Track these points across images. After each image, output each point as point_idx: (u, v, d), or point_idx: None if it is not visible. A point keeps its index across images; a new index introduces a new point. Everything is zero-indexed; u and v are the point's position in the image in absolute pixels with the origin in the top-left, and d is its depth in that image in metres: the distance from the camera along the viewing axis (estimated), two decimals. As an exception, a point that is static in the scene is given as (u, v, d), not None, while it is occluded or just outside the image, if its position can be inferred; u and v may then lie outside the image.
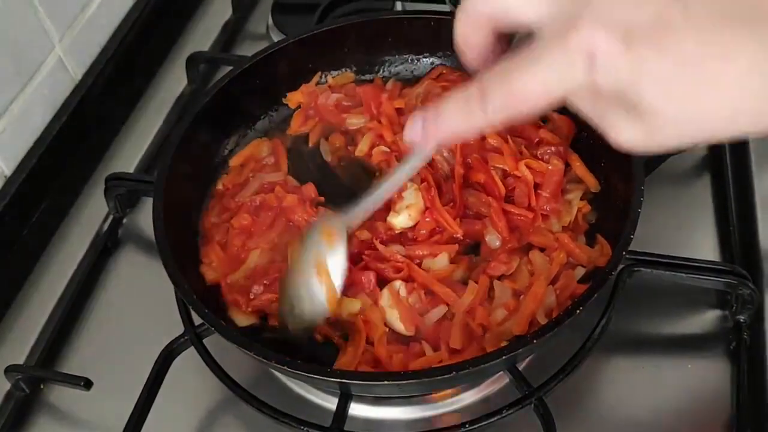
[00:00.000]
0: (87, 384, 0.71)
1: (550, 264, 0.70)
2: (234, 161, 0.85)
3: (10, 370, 0.73)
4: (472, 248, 0.75)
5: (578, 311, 0.60)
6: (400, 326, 0.68)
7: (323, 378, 0.60)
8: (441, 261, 0.72)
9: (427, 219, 0.75)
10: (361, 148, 0.84)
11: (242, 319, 0.71)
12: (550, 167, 0.76)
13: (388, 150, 0.82)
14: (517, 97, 0.43)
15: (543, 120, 0.83)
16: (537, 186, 0.76)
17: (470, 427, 0.62)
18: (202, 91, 1.02)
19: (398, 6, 1.10)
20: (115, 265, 0.86)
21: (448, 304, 0.69)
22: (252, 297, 0.72)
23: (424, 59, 0.92)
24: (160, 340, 0.70)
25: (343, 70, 0.92)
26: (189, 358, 0.69)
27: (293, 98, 0.90)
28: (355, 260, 0.72)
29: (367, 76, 0.93)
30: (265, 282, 0.72)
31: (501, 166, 0.77)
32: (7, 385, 0.75)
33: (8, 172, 0.84)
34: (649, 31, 0.38)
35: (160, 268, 0.67)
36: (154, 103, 1.03)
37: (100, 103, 0.95)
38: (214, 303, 0.72)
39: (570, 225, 0.74)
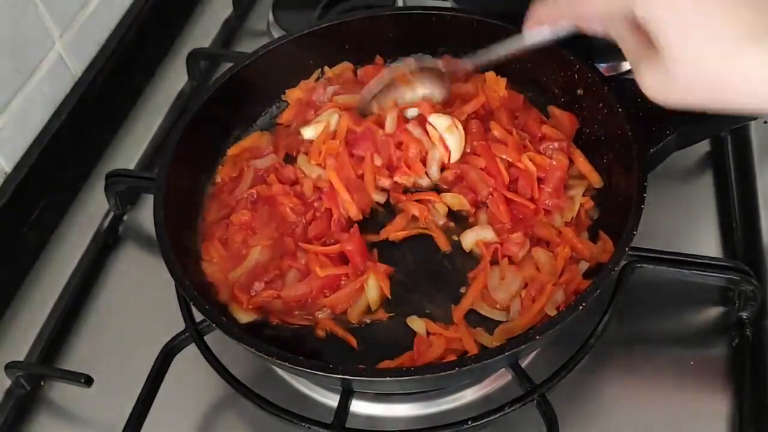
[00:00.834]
0: (88, 381, 0.71)
1: (554, 260, 0.70)
2: (232, 151, 0.85)
3: (10, 367, 0.73)
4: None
5: (581, 307, 0.60)
6: None
7: (325, 374, 0.60)
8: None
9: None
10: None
11: (243, 316, 0.71)
12: (553, 162, 0.76)
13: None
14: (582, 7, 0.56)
15: (546, 116, 0.83)
16: (540, 180, 0.76)
17: (472, 424, 0.62)
18: (202, 88, 1.02)
19: (399, 2, 1.09)
20: (115, 262, 0.86)
21: None
22: (253, 294, 0.72)
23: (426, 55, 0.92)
24: (161, 337, 0.70)
25: (343, 66, 0.92)
26: (190, 354, 0.69)
27: (292, 95, 0.89)
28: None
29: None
30: (265, 279, 0.72)
31: (504, 156, 0.77)
32: (8, 382, 0.75)
33: (8, 169, 0.83)
34: None
35: (161, 264, 0.67)
36: (155, 100, 1.03)
37: (101, 100, 0.95)
38: (215, 300, 0.72)
39: (573, 221, 0.74)
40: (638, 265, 0.69)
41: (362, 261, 0.72)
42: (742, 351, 0.71)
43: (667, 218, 0.81)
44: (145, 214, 0.90)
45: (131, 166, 0.94)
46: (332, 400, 0.70)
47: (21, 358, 0.77)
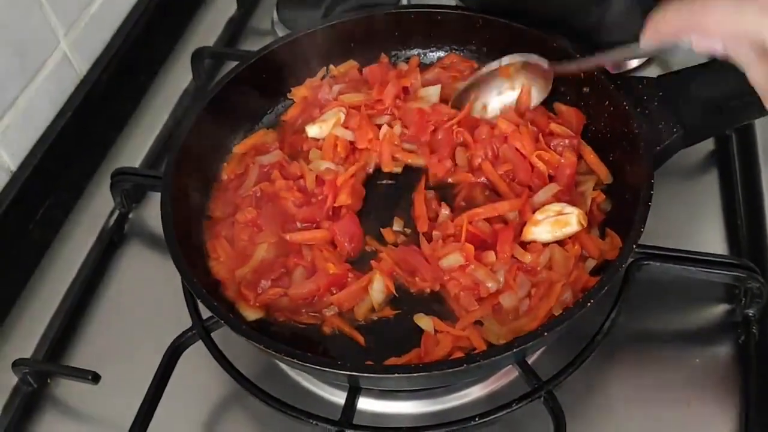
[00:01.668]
0: (95, 378, 0.71)
1: (568, 259, 0.70)
2: (238, 148, 0.85)
3: (17, 364, 0.73)
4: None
5: (588, 304, 0.60)
6: None
7: (334, 370, 0.60)
8: None
9: None
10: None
11: (250, 314, 0.71)
12: (562, 160, 0.76)
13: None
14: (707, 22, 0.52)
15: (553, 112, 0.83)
16: (551, 178, 0.76)
17: (480, 420, 0.62)
18: (206, 87, 1.02)
19: (404, 0, 1.09)
20: (121, 259, 0.86)
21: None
22: (260, 292, 0.72)
23: (431, 53, 0.92)
24: (168, 334, 0.70)
25: (349, 64, 0.92)
26: (197, 352, 0.69)
27: (298, 93, 0.89)
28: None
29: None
30: (272, 277, 0.72)
31: (518, 145, 0.78)
32: (15, 380, 0.75)
33: (14, 167, 0.84)
34: None
35: (167, 262, 0.67)
36: (160, 99, 1.03)
37: (105, 99, 0.95)
38: (222, 298, 0.72)
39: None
40: (645, 262, 0.69)
41: (355, 246, 0.74)
42: (748, 348, 0.71)
43: (672, 216, 0.81)
44: (150, 212, 0.90)
45: (136, 165, 0.95)
46: (338, 398, 0.70)
47: (28, 355, 0.77)
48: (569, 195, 0.75)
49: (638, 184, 0.68)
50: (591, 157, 0.78)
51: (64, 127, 0.88)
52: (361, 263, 0.74)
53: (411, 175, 0.82)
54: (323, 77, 0.91)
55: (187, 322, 0.70)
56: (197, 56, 1.02)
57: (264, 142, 0.85)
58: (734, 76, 0.54)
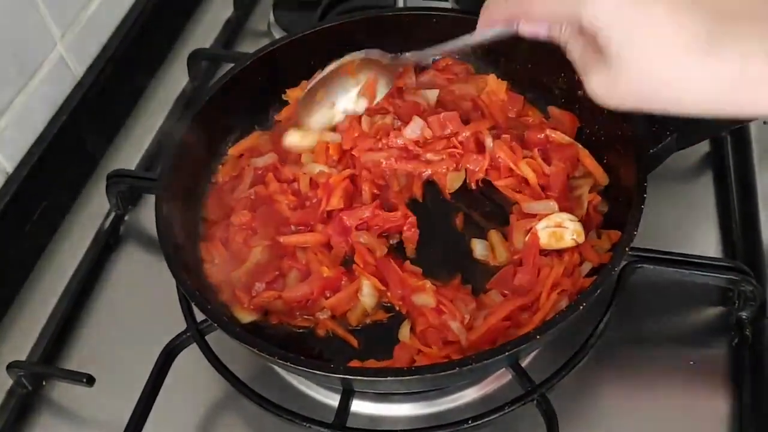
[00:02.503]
0: (89, 380, 0.71)
1: (561, 263, 0.70)
2: (233, 150, 0.85)
3: (12, 367, 0.73)
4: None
5: (581, 307, 0.60)
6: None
7: (326, 374, 0.60)
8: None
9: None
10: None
11: (244, 316, 0.71)
12: (553, 168, 0.76)
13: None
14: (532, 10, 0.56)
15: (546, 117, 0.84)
16: (544, 188, 0.76)
17: (473, 423, 0.62)
18: (203, 89, 1.02)
19: (400, 3, 1.09)
20: (116, 262, 0.86)
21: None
22: (254, 294, 0.72)
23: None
24: (162, 336, 0.70)
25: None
26: (191, 354, 0.69)
27: (293, 95, 0.89)
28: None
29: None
30: (266, 279, 0.72)
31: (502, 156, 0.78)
32: (10, 382, 0.75)
33: (10, 169, 0.84)
34: None
35: (162, 265, 0.67)
36: (156, 101, 1.04)
37: (102, 101, 0.95)
38: (216, 300, 0.72)
39: (582, 219, 0.74)
40: (638, 265, 0.69)
41: (347, 243, 0.74)
42: (742, 351, 0.72)
43: (667, 218, 0.82)
44: (146, 215, 0.90)
45: (132, 167, 0.95)
46: (333, 400, 0.70)
47: (23, 357, 0.77)
48: (566, 201, 0.75)
49: (631, 187, 0.68)
50: (588, 160, 0.78)
51: (60, 128, 0.88)
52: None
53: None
54: (318, 79, 0.91)
55: (181, 325, 0.70)
56: (194, 58, 1.02)
57: (259, 144, 0.85)
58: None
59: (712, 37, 0.45)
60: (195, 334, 0.69)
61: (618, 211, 0.72)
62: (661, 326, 0.75)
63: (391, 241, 0.77)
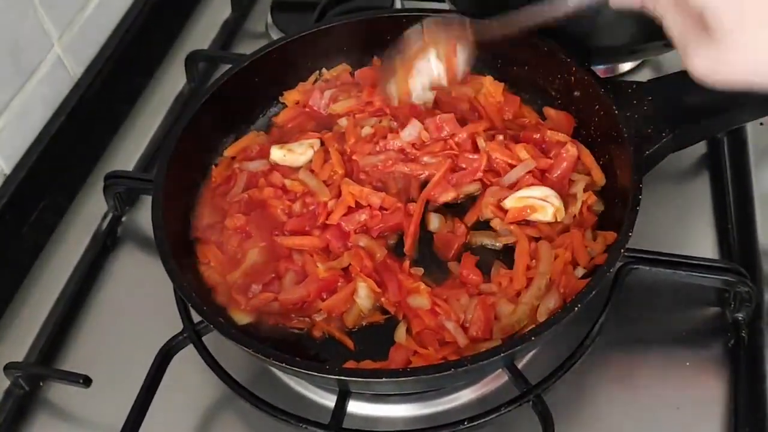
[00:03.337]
0: (86, 381, 0.71)
1: (553, 260, 0.70)
2: (229, 151, 0.85)
3: (9, 368, 0.74)
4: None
5: (576, 308, 0.60)
6: None
7: (322, 375, 0.60)
8: None
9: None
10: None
11: (241, 317, 0.71)
12: (563, 153, 0.77)
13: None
14: None
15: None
16: (545, 171, 0.77)
17: (469, 425, 0.62)
18: (201, 90, 1.02)
19: (397, 4, 1.10)
20: (114, 263, 0.86)
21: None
22: (250, 296, 0.72)
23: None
24: (159, 337, 0.70)
25: (341, 68, 0.93)
26: (188, 355, 0.69)
27: (290, 97, 0.90)
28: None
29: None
30: (263, 281, 0.73)
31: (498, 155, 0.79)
32: (7, 383, 0.75)
33: (7, 170, 0.84)
34: None
35: (159, 266, 0.67)
36: (153, 102, 1.04)
37: (99, 102, 0.95)
38: (213, 302, 0.72)
39: (576, 218, 0.74)
40: (634, 266, 0.69)
41: (344, 244, 0.74)
42: (738, 352, 0.72)
43: (663, 220, 0.82)
44: (143, 216, 0.90)
45: (130, 168, 0.95)
46: (329, 401, 0.70)
47: (20, 358, 0.77)
48: (562, 189, 0.75)
49: (627, 187, 0.68)
50: (588, 159, 0.78)
51: (58, 129, 0.89)
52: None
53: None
54: (315, 81, 0.91)
55: (178, 326, 0.70)
56: (191, 59, 1.02)
57: (254, 145, 0.85)
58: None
59: None
60: (192, 335, 0.69)
61: (613, 212, 0.72)
62: (657, 327, 0.75)
63: (389, 241, 0.77)
